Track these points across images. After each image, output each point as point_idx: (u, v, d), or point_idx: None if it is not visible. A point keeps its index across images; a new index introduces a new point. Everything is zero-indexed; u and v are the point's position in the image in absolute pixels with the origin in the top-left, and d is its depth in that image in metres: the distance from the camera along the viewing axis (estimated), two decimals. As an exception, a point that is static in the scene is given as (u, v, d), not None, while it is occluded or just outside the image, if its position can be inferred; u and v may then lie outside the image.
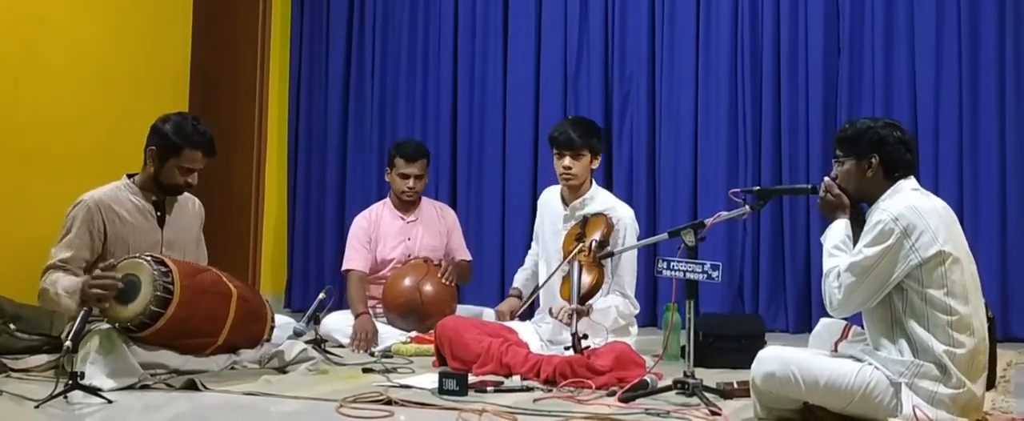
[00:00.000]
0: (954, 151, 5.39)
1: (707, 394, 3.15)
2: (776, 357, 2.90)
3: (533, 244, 4.69)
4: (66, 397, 3.11)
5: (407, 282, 4.74)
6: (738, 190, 3.35)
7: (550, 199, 4.50)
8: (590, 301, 3.97)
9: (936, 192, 3.50)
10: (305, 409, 3.18)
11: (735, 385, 3.34)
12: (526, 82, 6.16)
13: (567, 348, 3.75)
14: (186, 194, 3.98)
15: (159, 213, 3.89)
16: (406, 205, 5.04)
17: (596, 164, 4.37)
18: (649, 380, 3.36)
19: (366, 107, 6.51)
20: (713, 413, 3.00)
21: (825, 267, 2.95)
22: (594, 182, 4.43)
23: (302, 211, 6.61)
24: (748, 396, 3.05)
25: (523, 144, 6.14)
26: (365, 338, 4.52)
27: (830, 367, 2.85)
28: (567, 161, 4.27)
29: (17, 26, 4.91)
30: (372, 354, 4.33)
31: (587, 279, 3.93)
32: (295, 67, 6.68)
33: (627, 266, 4.29)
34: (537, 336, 4.20)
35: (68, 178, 4.86)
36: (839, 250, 2.95)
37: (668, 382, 3.28)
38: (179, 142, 3.78)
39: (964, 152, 5.36)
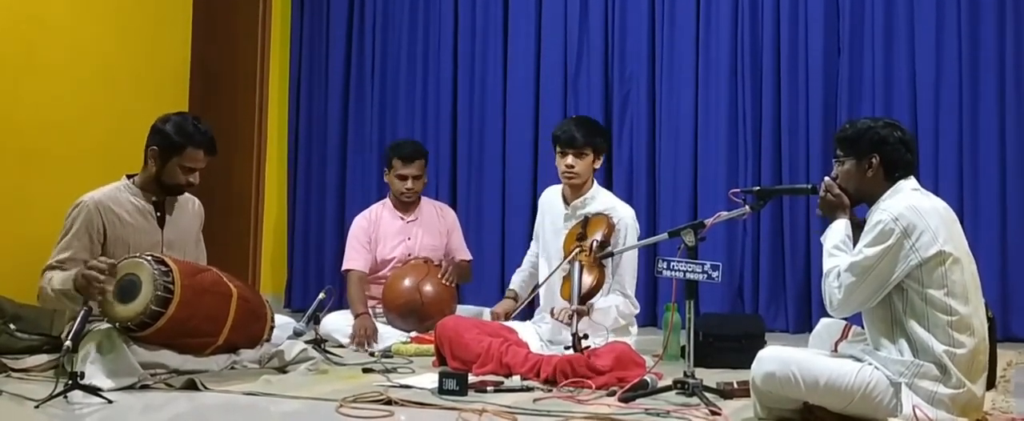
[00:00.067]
0: (954, 151, 5.39)
1: (707, 394, 3.15)
2: (776, 357, 2.90)
3: (532, 244, 4.69)
4: (66, 397, 3.11)
5: (407, 282, 4.74)
6: (738, 190, 3.35)
7: (551, 198, 4.50)
8: (591, 301, 3.98)
9: (936, 192, 3.50)
10: (305, 409, 3.18)
11: (735, 385, 3.34)
12: (526, 82, 6.16)
13: (567, 348, 3.75)
14: (186, 194, 3.98)
15: (159, 213, 3.89)
16: (406, 205, 5.04)
17: (599, 164, 4.37)
18: (649, 380, 3.37)
19: (366, 107, 6.51)
20: (713, 413, 3.00)
21: (825, 267, 2.95)
22: (595, 182, 4.43)
23: (302, 211, 6.61)
24: (748, 396, 3.05)
25: (523, 144, 6.14)
26: (365, 334, 4.53)
27: (830, 367, 2.85)
28: (570, 159, 4.27)
29: (17, 26, 4.91)
30: (372, 354, 4.33)
31: (588, 279, 3.93)
32: (295, 67, 6.68)
33: (628, 266, 4.30)
34: (537, 336, 4.20)
35: (68, 178, 4.86)
36: (839, 250, 2.95)
37: (668, 382, 3.28)
38: (181, 141, 3.78)
39: (964, 152, 5.36)
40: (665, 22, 5.91)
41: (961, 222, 3.07)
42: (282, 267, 6.68)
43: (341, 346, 4.55)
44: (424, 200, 5.16)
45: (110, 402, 3.14)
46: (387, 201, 5.13)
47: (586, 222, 4.18)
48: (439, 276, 4.77)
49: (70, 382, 3.11)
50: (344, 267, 5.00)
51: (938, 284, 2.81)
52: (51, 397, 3.07)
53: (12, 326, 4.16)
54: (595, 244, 4.04)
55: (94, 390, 3.17)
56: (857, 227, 3.00)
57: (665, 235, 3.54)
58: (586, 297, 3.92)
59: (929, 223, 2.82)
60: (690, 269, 3.25)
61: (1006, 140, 5.32)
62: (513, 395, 3.35)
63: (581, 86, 6.05)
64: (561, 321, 3.98)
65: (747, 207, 3.34)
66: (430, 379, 3.51)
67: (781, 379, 2.85)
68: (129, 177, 3.90)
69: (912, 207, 2.84)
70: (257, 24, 6.42)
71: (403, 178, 4.96)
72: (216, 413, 3.17)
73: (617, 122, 5.96)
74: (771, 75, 5.71)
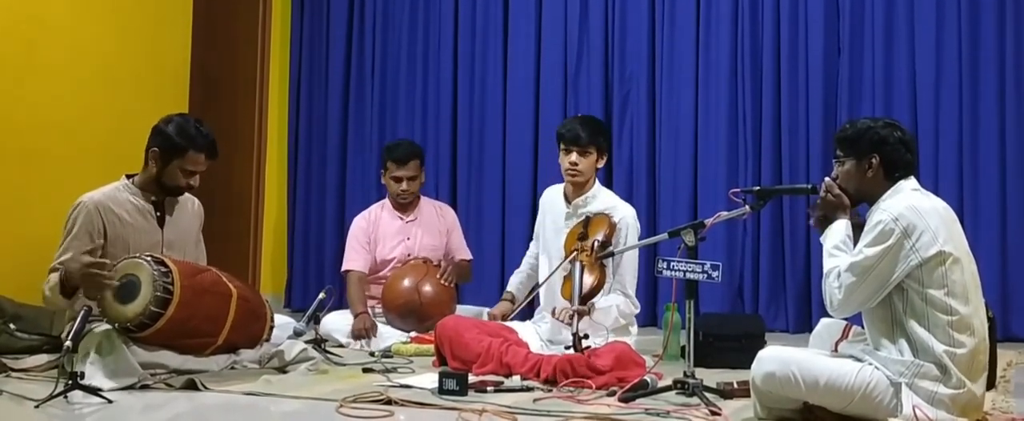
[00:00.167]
0: (954, 151, 5.39)
1: (707, 394, 3.15)
2: (776, 357, 2.90)
3: (532, 244, 4.69)
4: (66, 397, 3.11)
5: (406, 283, 4.74)
6: (738, 190, 3.35)
7: (552, 197, 4.50)
8: (592, 301, 3.98)
9: (936, 192, 3.50)
10: (305, 409, 3.18)
11: (735, 385, 3.34)
12: (526, 82, 6.16)
13: (567, 348, 3.75)
14: (186, 194, 3.98)
15: (159, 213, 3.89)
16: (404, 205, 5.04)
17: (601, 163, 4.38)
18: (649, 380, 3.36)
19: (366, 107, 6.51)
20: (713, 413, 3.00)
21: (825, 267, 2.95)
22: (597, 181, 4.43)
23: (302, 211, 6.61)
24: (748, 396, 3.05)
25: (523, 144, 6.14)
26: (363, 327, 4.55)
27: (830, 367, 2.85)
28: (574, 157, 4.28)
29: (17, 26, 4.91)
30: (372, 354, 4.33)
31: (589, 279, 3.93)
32: (295, 67, 6.68)
33: (628, 265, 4.30)
34: (537, 336, 4.20)
35: (68, 178, 4.86)
36: (839, 250, 2.95)
37: (668, 382, 3.28)
38: (183, 144, 3.78)
39: (964, 152, 5.36)
40: (665, 22, 5.91)
41: (961, 222, 3.07)
42: (282, 267, 6.68)
43: (341, 346, 4.55)
44: (423, 200, 5.16)
45: (110, 402, 3.14)
46: (386, 201, 5.13)
47: (587, 222, 4.18)
48: (438, 276, 4.77)
49: (70, 382, 3.11)
50: (344, 267, 5.00)
51: (938, 284, 2.81)
52: (51, 397, 3.07)
53: (12, 326, 4.17)
54: (596, 244, 4.04)
55: (94, 390, 3.17)
56: (857, 227, 3.00)
57: (665, 235, 3.54)
58: (587, 297, 3.92)
59: (929, 223, 2.82)
60: (690, 269, 3.25)
61: (1006, 140, 5.32)
62: (513, 395, 3.35)
63: (581, 86, 6.05)
64: (562, 321, 3.98)
65: (747, 207, 3.33)
66: (430, 379, 3.51)
67: (781, 379, 2.85)
68: (128, 177, 3.90)
69: (912, 207, 2.84)
70: (257, 25, 6.42)
71: (398, 180, 4.97)
72: (216, 413, 3.17)
73: (617, 122, 5.96)
74: (771, 75, 5.71)
